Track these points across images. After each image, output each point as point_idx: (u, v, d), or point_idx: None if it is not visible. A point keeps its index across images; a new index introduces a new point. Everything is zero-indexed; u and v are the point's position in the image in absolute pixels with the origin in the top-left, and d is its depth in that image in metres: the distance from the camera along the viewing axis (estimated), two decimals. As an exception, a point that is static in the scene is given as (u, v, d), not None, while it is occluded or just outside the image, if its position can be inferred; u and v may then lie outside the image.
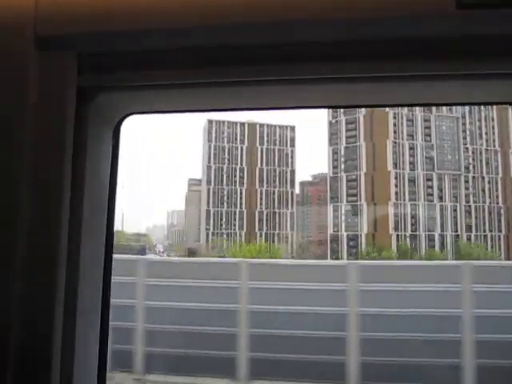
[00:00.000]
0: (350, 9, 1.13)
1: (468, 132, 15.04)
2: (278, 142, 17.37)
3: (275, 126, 17.34)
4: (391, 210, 14.14)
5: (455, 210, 14.68)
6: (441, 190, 14.59)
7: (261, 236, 16.72)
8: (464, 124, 14.83)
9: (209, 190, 17.06)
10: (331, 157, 14.88)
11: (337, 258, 15.05)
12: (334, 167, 14.84)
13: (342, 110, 13.78)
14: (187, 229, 18.17)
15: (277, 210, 16.95)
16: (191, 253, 16.57)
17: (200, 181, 18.31)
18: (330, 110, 14.30)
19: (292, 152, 17.48)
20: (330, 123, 14.77)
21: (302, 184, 17.70)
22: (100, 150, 1.38)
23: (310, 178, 17.83)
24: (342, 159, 14.54)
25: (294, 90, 1.31)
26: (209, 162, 17.23)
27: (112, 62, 1.28)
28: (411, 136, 14.63)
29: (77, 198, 1.26)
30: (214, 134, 17.29)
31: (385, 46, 1.17)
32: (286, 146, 17.45)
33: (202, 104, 1.50)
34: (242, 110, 1.59)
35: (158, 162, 21.48)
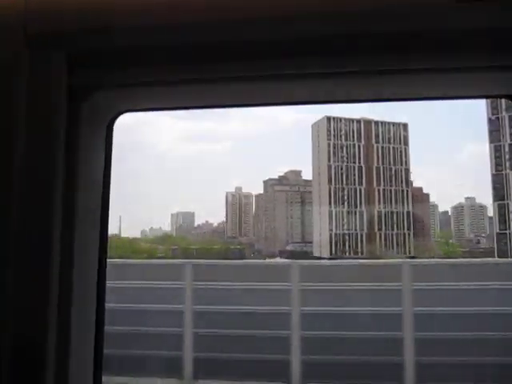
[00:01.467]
0: (347, 2, 1.12)
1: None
2: (392, 140, 17.18)
3: (389, 124, 17.13)
4: None
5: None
6: None
7: (380, 236, 16.56)
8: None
9: (330, 189, 16.54)
10: (493, 154, 14.91)
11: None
12: (498, 165, 14.89)
13: (503, 106, 13.84)
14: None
15: (394, 210, 16.86)
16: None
17: (279, 180, 17.91)
18: (489, 107, 14.32)
19: (405, 150, 17.37)
20: (490, 120, 14.77)
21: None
22: (92, 149, 1.36)
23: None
24: (507, 156, 14.64)
25: (291, 86, 1.29)
26: (328, 160, 16.67)
27: (103, 60, 1.26)
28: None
29: (70, 198, 1.24)
30: (332, 132, 16.74)
31: (384, 39, 1.15)
32: (400, 143, 17.30)
33: (195, 101, 1.48)
34: (237, 106, 1.56)
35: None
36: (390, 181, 16.93)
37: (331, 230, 16.37)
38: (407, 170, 17.05)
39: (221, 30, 1.17)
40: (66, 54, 1.21)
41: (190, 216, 18.72)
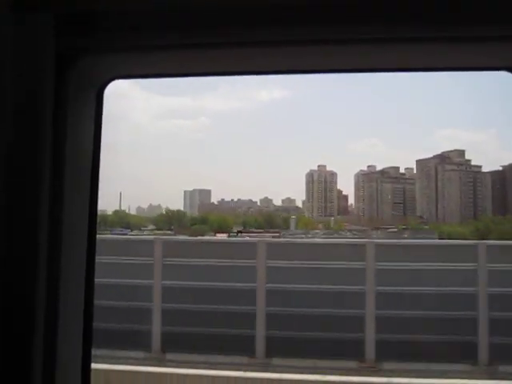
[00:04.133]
0: None
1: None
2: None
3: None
4: None
5: None
6: None
7: None
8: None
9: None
10: None
11: None
12: None
13: None
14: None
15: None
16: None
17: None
18: None
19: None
20: None
21: None
22: (81, 118, 1.31)
23: None
24: None
25: (287, 53, 1.27)
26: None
27: (92, 24, 1.22)
28: None
29: (58, 169, 1.20)
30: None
31: (373, 8, 1.14)
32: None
33: (187, 67, 1.43)
34: (228, 74, 1.50)
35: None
36: None
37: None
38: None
39: None
40: (54, 17, 1.16)
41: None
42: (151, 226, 17.43)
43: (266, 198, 20.03)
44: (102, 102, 1.39)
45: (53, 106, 1.18)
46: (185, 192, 19.37)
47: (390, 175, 18.43)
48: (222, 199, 19.65)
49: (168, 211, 18.20)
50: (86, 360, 1.34)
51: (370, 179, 18.59)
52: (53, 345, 1.19)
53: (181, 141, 18.45)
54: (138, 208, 19.10)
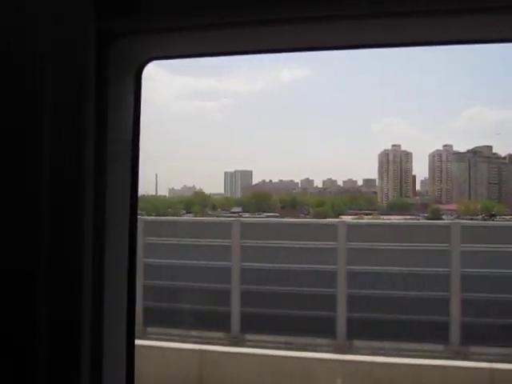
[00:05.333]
0: None
1: None
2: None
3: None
4: None
5: None
6: None
7: None
8: None
9: None
10: None
11: None
12: None
13: None
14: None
15: None
16: None
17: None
18: None
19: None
20: None
21: None
22: (121, 98, 1.32)
23: None
24: None
25: (310, 30, 1.25)
26: None
27: (131, 4, 1.22)
28: None
29: (101, 148, 1.21)
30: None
31: None
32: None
33: (227, 46, 1.45)
34: (271, 52, 1.53)
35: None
36: None
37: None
38: None
39: None
40: None
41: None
42: (236, 209, 17.36)
43: (307, 179, 19.53)
44: (140, 84, 1.39)
45: (94, 89, 1.17)
46: (225, 173, 19.21)
47: (482, 154, 17.39)
48: (263, 180, 19.29)
49: (256, 193, 17.98)
50: (130, 358, 1.38)
51: (459, 158, 17.66)
52: (99, 338, 1.23)
53: (206, 122, 18.29)
54: (172, 190, 19.16)
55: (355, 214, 15.70)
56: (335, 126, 18.92)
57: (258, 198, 17.51)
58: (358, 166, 17.81)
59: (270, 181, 18.62)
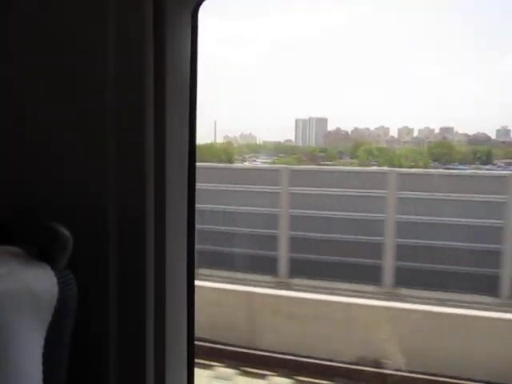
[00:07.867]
0: None
1: None
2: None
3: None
4: None
5: None
6: None
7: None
8: None
9: None
10: None
11: None
12: None
13: None
14: None
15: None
16: None
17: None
18: None
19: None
20: None
21: None
22: (178, 42, 1.26)
23: None
24: None
25: None
26: None
27: None
28: None
29: (160, 97, 1.19)
30: None
31: None
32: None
33: None
34: None
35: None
36: None
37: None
38: None
39: None
40: None
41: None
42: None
43: (382, 126, 18.03)
44: (197, 25, 1.33)
45: (152, 32, 1.15)
46: (296, 120, 18.24)
47: None
48: (338, 128, 18.09)
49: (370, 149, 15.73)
50: (190, 301, 1.37)
51: None
52: (162, 325, 1.23)
53: (259, 67, 17.26)
54: (225, 137, 18.72)
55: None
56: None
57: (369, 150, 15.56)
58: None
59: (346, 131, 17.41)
